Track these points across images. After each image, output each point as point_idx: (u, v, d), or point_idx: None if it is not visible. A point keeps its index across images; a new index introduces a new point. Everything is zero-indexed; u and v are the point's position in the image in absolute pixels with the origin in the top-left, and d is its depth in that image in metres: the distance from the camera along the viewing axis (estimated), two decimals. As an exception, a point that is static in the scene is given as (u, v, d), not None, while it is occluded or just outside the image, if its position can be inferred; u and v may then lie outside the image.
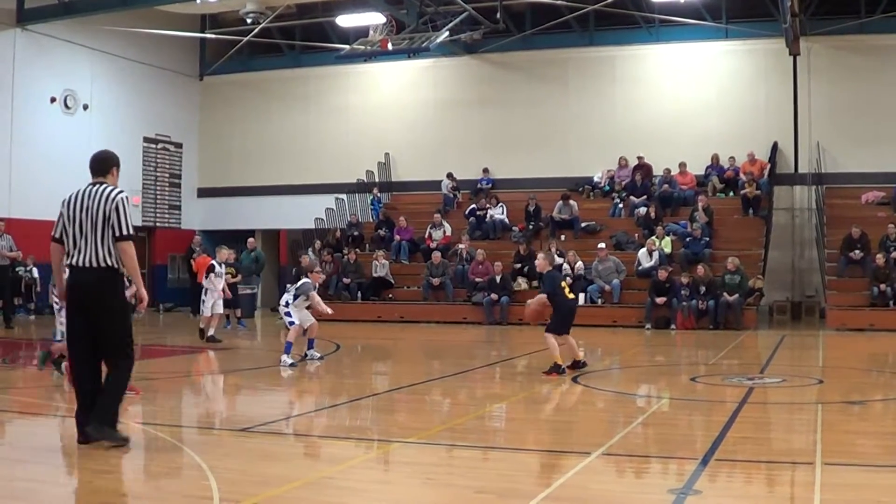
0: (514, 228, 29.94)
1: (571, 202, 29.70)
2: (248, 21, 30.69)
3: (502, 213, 30.48)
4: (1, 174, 28.27)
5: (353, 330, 21.11)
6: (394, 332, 19.96)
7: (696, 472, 7.67)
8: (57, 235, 8.78)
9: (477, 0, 29.43)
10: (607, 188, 30.87)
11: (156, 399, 12.28)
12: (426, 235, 30.23)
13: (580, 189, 31.07)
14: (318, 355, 16.39)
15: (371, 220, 32.71)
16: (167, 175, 35.32)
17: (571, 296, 14.90)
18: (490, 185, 32.22)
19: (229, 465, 8.04)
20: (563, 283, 14.95)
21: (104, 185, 8.79)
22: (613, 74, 31.83)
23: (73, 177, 32.39)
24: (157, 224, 34.41)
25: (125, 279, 8.87)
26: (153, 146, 34.60)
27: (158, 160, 34.88)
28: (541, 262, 15.25)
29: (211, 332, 20.20)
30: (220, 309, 20.84)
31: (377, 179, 33.73)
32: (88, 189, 8.77)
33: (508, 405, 12.14)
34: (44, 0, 28.54)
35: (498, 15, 29.13)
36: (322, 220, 32.56)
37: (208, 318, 20.42)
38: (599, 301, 26.02)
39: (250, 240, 29.10)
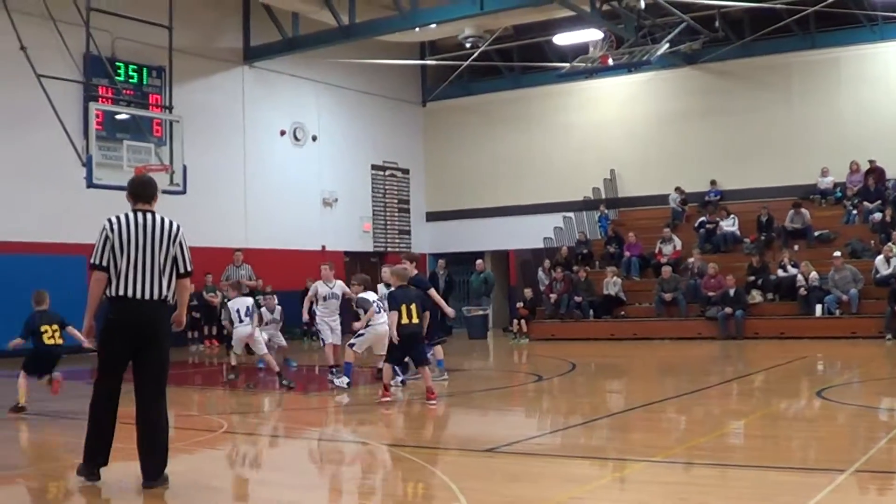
0: (745, 240, 29.38)
1: (803, 210, 28.96)
2: (467, 45, 31.11)
3: (733, 224, 29.89)
4: (237, 207, 29.51)
5: (586, 348, 21.12)
6: (627, 349, 19.87)
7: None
8: (104, 263, 8.05)
9: (695, 10, 29.16)
10: (839, 194, 29.96)
11: (396, 420, 12.59)
12: (656, 250, 29.94)
13: (810, 197, 30.25)
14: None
15: (600, 236, 32.71)
16: (396, 201, 36.16)
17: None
18: (718, 197, 31.72)
19: (477, 486, 8.15)
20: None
21: (159, 216, 8.26)
22: (838, 76, 30.90)
23: (305, 207, 33.44)
24: (388, 249, 35.16)
25: None
26: (381, 173, 35.49)
27: (387, 187, 35.76)
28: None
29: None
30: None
31: (604, 196, 33.66)
32: (144, 218, 8.19)
33: (748, 422, 11.92)
34: (269, 38, 29.75)
35: (716, 23, 28.88)
36: (551, 238, 32.71)
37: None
38: (837, 312, 25.28)
39: (479, 262, 29.48)
